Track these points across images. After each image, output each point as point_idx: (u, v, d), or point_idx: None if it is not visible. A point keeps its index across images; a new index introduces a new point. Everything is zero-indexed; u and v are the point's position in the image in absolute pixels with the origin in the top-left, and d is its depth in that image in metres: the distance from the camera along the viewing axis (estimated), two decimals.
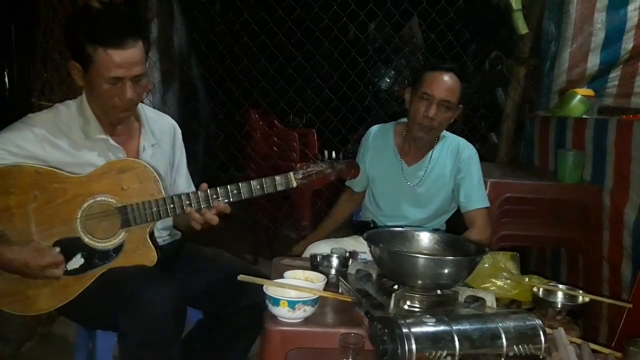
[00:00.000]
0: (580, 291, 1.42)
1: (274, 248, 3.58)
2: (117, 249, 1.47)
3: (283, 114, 4.15)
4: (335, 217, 2.26)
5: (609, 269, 2.31)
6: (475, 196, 2.04)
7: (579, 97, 2.67)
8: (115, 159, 1.53)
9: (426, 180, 2.06)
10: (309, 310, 1.28)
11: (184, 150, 1.81)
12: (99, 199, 1.46)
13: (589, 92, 2.73)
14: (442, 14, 3.45)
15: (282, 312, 1.27)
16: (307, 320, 1.30)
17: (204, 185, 1.51)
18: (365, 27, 3.91)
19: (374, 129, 2.18)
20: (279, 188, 1.51)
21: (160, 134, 1.70)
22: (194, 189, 1.75)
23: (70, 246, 1.45)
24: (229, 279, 1.47)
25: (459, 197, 2.06)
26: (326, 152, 1.58)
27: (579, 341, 1.17)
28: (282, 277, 1.45)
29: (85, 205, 1.45)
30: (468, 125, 3.60)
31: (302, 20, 3.58)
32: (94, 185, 1.47)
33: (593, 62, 2.82)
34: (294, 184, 1.52)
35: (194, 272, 1.66)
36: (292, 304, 1.26)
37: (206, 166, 4.05)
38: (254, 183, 1.50)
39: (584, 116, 2.63)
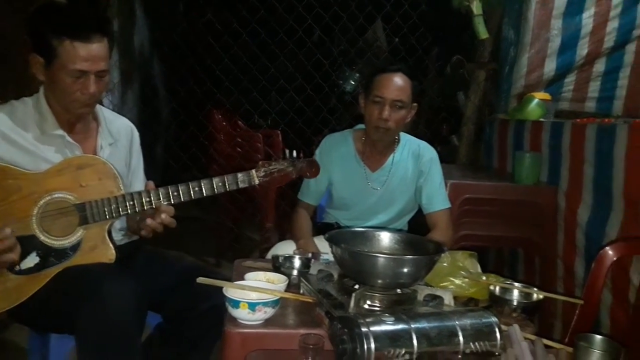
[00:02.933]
0: (535, 289, 1.46)
1: (237, 250, 3.54)
2: (75, 247, 1.44)
3: (247, 115, 4.13)
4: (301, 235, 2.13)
5: (563, 268, 2.39)
6: (437, 198, 2.08)
7: (536, 100, 2.76)
8: (74, 155, 1.51)
9: (389, 183, 2.08)
10: (269, 311, 1.27)
11: (141, 154, 1.79)
12: (56, 195, 1.44)
13: (546, 96, 2.82)
14: (406, 18, 3.50)
15: (242, 314, 1.26)
16: (267, 322, 1.29)
17: (151, 183, 1.50)
18: (330, 29, 3.93)
19: (331, 138, 2.17)
20: (241, 185, 1.51)
21: (118, 135, 1.68)
22: None
23: (25, 244, 1.41)
24: (189, 281, 1.45)
25: (421, 198, 2.09)
26: (287, 151, 1.60)
27: (532, 337, 1.20)
28: (243, 279, 1.44)
29: (41, 202, 1.42)
30: (430, 128, 3.67)
31: (266, 21, 3.57)
32: (51, 182, 1.44)
33: (550, 67, 2.92)
34: (256, 182, 1.52)
35: (152, 275, 1.63)
36: (252, 306, 1.25)
37: (167, 167, 3.98)
38: (215, 180, 1.49)
39: (541, 119, 2.71)
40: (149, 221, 1.48)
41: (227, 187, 1.50)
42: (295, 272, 1.55)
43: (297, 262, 1.59)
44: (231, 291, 1.31)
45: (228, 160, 3.64)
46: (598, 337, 1.16)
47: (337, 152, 2.12)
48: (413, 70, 2.04)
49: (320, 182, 2.07)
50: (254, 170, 1.52)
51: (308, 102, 3.77)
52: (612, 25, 2.86)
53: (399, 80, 1.91)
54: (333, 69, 3.84)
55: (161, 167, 4.02)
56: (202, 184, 1.49)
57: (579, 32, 2.85)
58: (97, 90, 1.46)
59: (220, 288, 1.32)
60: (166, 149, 4.38)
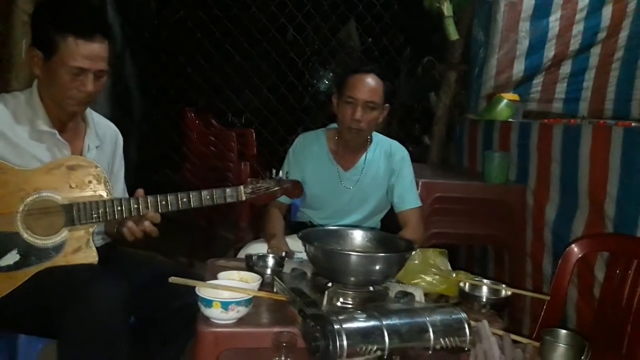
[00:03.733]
0: (504, 285, 1.49)
1: (210, 250, 3.51)
2: (58, 248, 1.43)
3: (221, 114, 4.10)
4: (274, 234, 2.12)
5: (531, 264, 2.45)
6: (408, 196, 2.10)
7: (505, 101, 2.82)
8: (62, 154, 1.51)
9: (362, 183, 2.09)
10: (242, 310, 1.27)
11: (123, 160, 1.80)
12: (44, 194, 1.42)
13: (515, 97, 2.89)
14: (378, 18, 3.53)
15: (215, 313, 1.25)
16: (240, 321, 1.28)
17: (141, 191, 1.51)
18: (303, 28, 3.94)
19: (305, 137, 2.18)
20: (229, 200, 1.55)
21: (104, 137, 1.69)
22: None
23: (6, 241, 1.39)
24: (161, 281, 1.44)
25: (393, 197, 2.11)
26: (274, 171, 1.68)
27: (501, 332, 1.23)
28: (216, 278, 1.43)
29: (28, 199, 1.41)
30: (402, 128, 3.71)
31: (240, 19, 3.55)
32: (40, 180, 1.43)
33: (518, 68, 2.99)
34: (243, 198, 1.56)
35: (125, 276, 1.61)
36: (225, 305, 1.25)
37: (139, 166, 3.92)
38: (204, 193, 1.52)
39: (510, 120, 2.77)
40: (130, 224, 1.49)
41: (215, 200, 1.53)
42: (268, 271, 1.55)
43: (270, 261, 1.60)
44: (204, 290, 1.30)
45: (201, 159, 3.61)
46: (563, 331, 1.19)
47: (311, 151, 2.12)
48: (385, 70, 2.05)
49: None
50: (242, 187, 1.56)
51: (282, 101, 3.77)
52: (578, 28, 2.95)
53: (371, 81, 1.93)
54: (306, 68, 3.84)
55: (133, 166, 3.95)
56: (191, 196, 1.51)
57: (546, 34, 2.93)
58: (94, 90, 1.47)
59: (193, 288, 1.31)
60: (139, 147, 4.31)
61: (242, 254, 1.91)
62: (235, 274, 1.47)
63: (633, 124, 2.21)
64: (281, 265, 1.57)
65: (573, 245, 1.74)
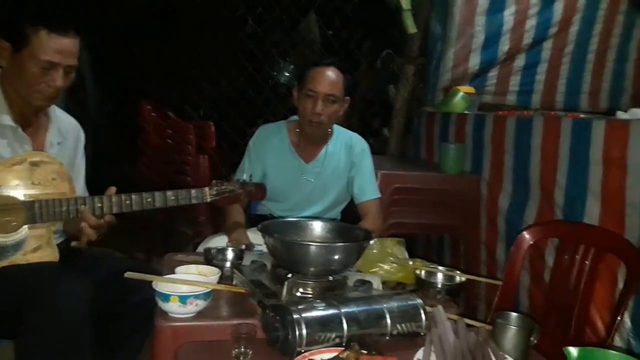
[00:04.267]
0: (458, 272, 1.54)
1: (168, 245, 3.45)
2: (17, 246, 1.40)
3: (179, 106, 4.02)
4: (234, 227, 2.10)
5: (486, 252, 2.53)
6: (368, 188, 2.13)
7: (461, 94, 2.88)
8: (24, 150, 1.48)
9: (322, 175, 2.11)
10: (201, 304, 1.26)
11: (84, 156, 1.77)
12: (4, 190, 1.38)
13: (471, 89, 2.96)
14: (338, 11, 3.54)
15: (173, 307, 1.24)
16: (199, 314, 1.28)
17: (113, 190, 1.48)
18: (263, 20, 3.90)
19: (265, 129, 2.17)
20: (194, 201, 1.55)
21: (66, 133, 1.67)
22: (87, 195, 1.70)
23: None
24: (118, 278, 1.42)
25: (353, 189, 2.13)
26: (235, 174, 1.73)
27: (455, 317, 1.26)
28: (174, 273, 1.42)
29: None
30: (362, 121, 3.74)
31: (198, 10, 3.49)
32: (1, 176, 1.39)
33: (474, 61, 3.07)
34: (208, 200, 1.56)
35: (85, 273, 1.57)
36: (183, 299, 1.24)
37: (94, 160, 3.80)
38: (169, 194, 1.51)
39: (466, 112, 2.84)
40: (86, 225, 1.45)
41: (179, 202, 1.52)
42: (228, 264, 1.54)
43: (229, 254, 1.59)
44: (161, 285, 1.28)
45: (158, 152, 3.54)
46: (514, 314, 1.24)
47: (271, 143, 2.12)
48: (345, 64, 2.06)
49: (253, 173, 2.06)
50: (207, 188, 1.56)
51: (242, 93, 3.73)
52: (531, 23, 3.05)
53: (331, 74, 1.93)
54: (266, 60, 3.81)
55: (89, 161, 3.83)
56: (155, 197, 1.50)
57: (501, 28, 3.01)
58: (62, 85, 1.46)
59: (151, 283, 1.29)
60: (93, 141, 4.18)
61: (201, 248, 1.90)
62: (193, 267, 1.46)
63: (581, 116, 2.31)
64: (241, 258, 1.57)
65: (524, 232, 1.80)
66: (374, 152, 2.21)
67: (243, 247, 1.69)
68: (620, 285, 1.78)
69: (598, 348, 0.96)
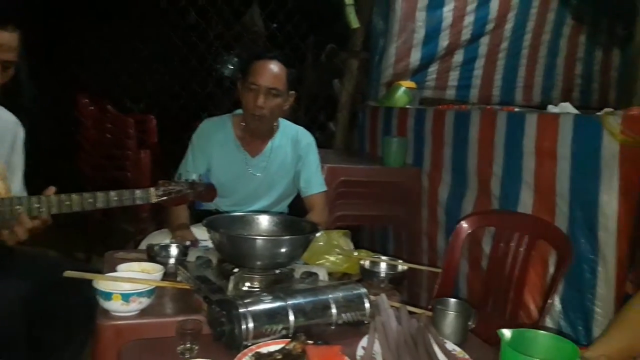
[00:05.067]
0: (400, 261, 1.59)
1: (109, 244, 3.34)
2: None
3: (118, 99, 3.88)
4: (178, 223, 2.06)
5: (427, 241, 2.62)
6: (314, 181, 2.14)
7: (403, 89, 2.96)
8: None
9: (269, 169, 2.10)
10: (145, 301, 1.24)
11: (23, 154, 1.68)
12: None
13: (412, 84, 3.04)
14: (281, 4, 3.52)
15: (115, 305, 1.22)
16: (143, 312, 1.25)
17: (52, 189, 1.41)
18: (205, 11, 3.82)
19: (209, 122, 2.13)
20: (138, 202, 1.48)
21: (3, 130, 1.59)
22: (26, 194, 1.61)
23: None
24: (56, 278, 1.37)
25: (299, 182, 2.14)
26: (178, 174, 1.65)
27: (398, 305, 1.30)
28: (115, 271, 1.38)
29: None
30: (308, 115, 3.76)
31: (137, 2, 3.37)
32: None
33: (415, 57, 3.14)
34: (153, 201, 1.50)
35: (19, 275, 1.50)
36: (125, 297, 1.21)
37: (28, 156, 3.61)
38: (112, 194, 1.44)
39: (407, 106, 2.91)
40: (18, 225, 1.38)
41: (123, 202, 1.45)
42: (172, 261, 1.51)
43: (173, 250, 1.56)
44: (102, 283, 1.25)
45: (97, 147, 3.40)
46: (453, 300, 1.29)
47: (216, 137, 2.09)
48: (290, 57, 2.06)
49: (198, 167, 2.03)
50: (152, 189, 1.50)
51: (184, 87, 3.65)
52: (469, 19, 3.16)
53: (274, 67, 1.92)
54: (210, 52, 3.74)
55: (24, 157, 3.63)
56: (97, 197, 1.42)
57: (441, 24, 3.10)
58: (0, 81, 1.39)
59: (91, 281, 1.25)
60: (28, 136, 3.96)
61: (143, 245, 1.85)
62: (136, 265, 1.43)
63: (516, 109, 2.42)
64: (185, 255, 1.55)
65: (462, 222, 1.88)
66: (320, 146, 2.23)
67: (188, 243, 1.66)
68: (551, 270, 1.89)
69: (529, 329, 1.01)
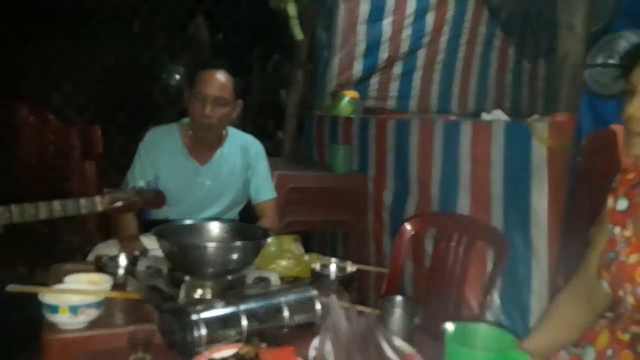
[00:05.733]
0: (349, 262, 1.64)
1: (54, 257, 3.21)
2: None
3: (61, 109, 3.74)
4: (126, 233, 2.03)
5: (374, 244, 2.71)
6: (264, 188, 2.17)
7: (347, 98, 3.05)
8: None
9: (218, 177, 2.10)
10: (93, 313, 1.23)
11: None
12: None
13: (355, 94, 3.13)
14: (226, 15, 3.54)
15: (62, 319, 1.19)
16: (92, 324, 1.24)
17: None
18: (149, 21, 3.78)
19: (156, 131, 2.12)
20: (83, 211, 1.45)
21: None
22: None
23: None
24: None
25: (250, 190, 2.16)
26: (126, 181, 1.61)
27: (347, 305, 1.35)
28: (62, 283, 1.35)
29: None
30: (257, 124, 3.78)
31: (80, 8, 3.28)
32: None
33: (357, 68, 3.24)
34: (99, 209, 1.48)
35: None
36: (73, 309, 1.19)
37: None
38: (55, 204, 1.40)
39: (352, 115, 3.00)
40: None
41: (67, 212, 1.42)
42: (121, 271, 1.49)
43: (122, 261, 1.54)
44: (48, 296, 1.23)
45: (38, 159, 3.27)
46: (399, 298, 1.34)
47: (163, 145, 2.07)
48: (236, 67, 2.08)
49: (145, 176, 2.01)
50: (98, 197, 1.47)
51: (130, 96, 3.57)
52: (407, 32, 3.29)
53: (221, 77, 1.94)
54: (155, 62, 3.69)
55: None
56: (40, 208, 1.39)
57: (380, 37, 3.21)
58: None
59: (36, 295, 1.23)
60: None
61: (91, 257, 1.82)
62: (83, 277, 1.40)
63: (452, 118, 2.56)
64: (135, 265, 1.53)
65: (406, 224, 1.96)
66: (269, 154, 2.26)
67: (137, 253, 1.65)
68: (489, 267, 2.00)
69: (470, 322, 1.06)
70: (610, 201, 1.26)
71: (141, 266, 1.50)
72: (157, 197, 1.63)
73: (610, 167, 2.34)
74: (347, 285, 1.58)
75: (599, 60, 2.91)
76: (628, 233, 1.18)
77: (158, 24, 3.75)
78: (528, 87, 3.80)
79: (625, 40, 2.83)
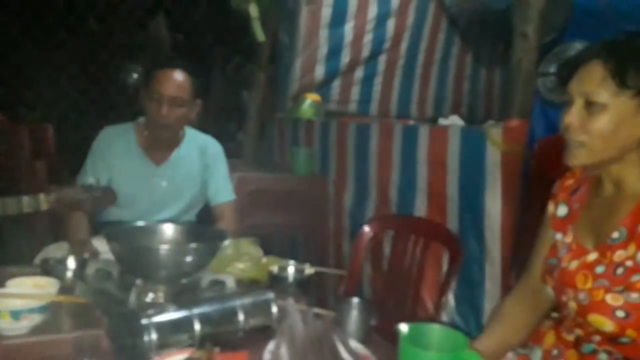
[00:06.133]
0: (307, 264, 1.63)
1: (1, 259, 3.07)
2: None
3: (10, 107, 3.59)
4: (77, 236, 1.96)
5: (334, 247, 2.72)
6: (223, 190, 2.14)
7: (309, 102, 3.05)
8: None
9: (175, 178, 2.07)
10: (37, 318, 1.17)
11: None
12: None
13: (317, 97, 3.14)
14: (187, 15, 3.49)
15: (3, 324, 1.14)
16: (36, 330, 1.18)
17: None
18: (106, 19, 3.68)
19: (110, 131, 2.08)
20: (26, 210, 1.37)
21: None
22: None
23: None
24: None
25: (208, 191, 2.13)
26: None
27: (304, 308, 1.34)
28: (4, 287, 1.29)
29: None
30: (218, 125, 3.74)
31: (32, 1, 3.16)
32: None
33: (319, 71, 3.25)
34: (44, 207, 1.40)
35: None
36: (15, 314, 1.14)
37: None
38: None
39: (314, 118, 3.01)
40: None
41: (6, 211, 1.34)
42: (69, 274, 1.44)
43: (71, 264, 1.48)
44: None
45: None
46: (355, 300, 1.34)
47: (117, 145, 2.02)
48: (194, 66, 2.05)
49: (98, 178, 1.96)
50: (42, 194, 1.39)
51: (85, 95, 3.47)
52: (368, 37, 3.32)
53: (178, 77, 1.91)
54: (112, 61, 3.59)
55: None
56: None
57: (342, 41, 3.23)
58: None
59: None
60: None
61: (38, 260, 1.75)
62: (27, 280, 1.34)
63: (411, 122, 2.60)
64: (84, 267, 1.48)
65: (365, 226, 1.97)
66: (230, 155, 2.24)
67: (87, 255, 1.59)
68: (445, 268, 2.03)
69: (424, 323, 1.07)
70: (551, 207, 1.28)
71: (90, 269, 1.45)
72: (106, 195, 1.56)
73: (561, 172, 2.44)
74: (305, 287, 1.57)
75: (551, 70, 3.03)
76: (568, 239, 1.20)
77: (116, 22, 3.66)
78: (484, 94, 3.91)
79: (574, 51, 2.96)
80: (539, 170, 2.23)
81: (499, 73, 3.87)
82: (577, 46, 2.95)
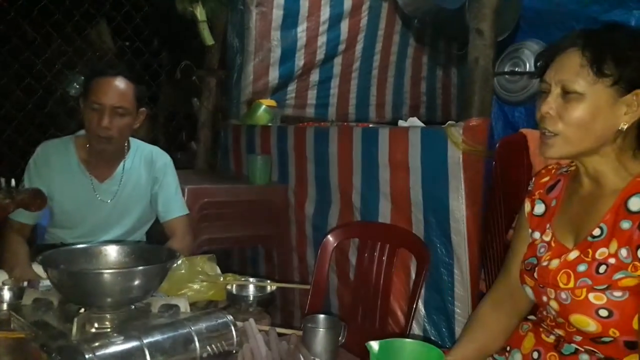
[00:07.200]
0: (269, 281, 1.53)
1: None
2: None
3: None
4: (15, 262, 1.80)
5: (297, 258, 2.62)
6: (173, 205, 2.04)
7: (263, 107, 2.95)
8: None
9: (121, 194, 1.96)
10: None
11: None
12: None
13: (272, 102, 3.05)
14: (129, 19, 3.33)
15: None
16: None
17: None
18: (41, 25, 3.46)
19: (48, 145, 1.95)
20: None
21: None
22: None
23: None
24: None
25: (157, 206, 2.02)
26: (3, 180, 1.36)
27: (266, 328, 1.25)
28: None
29: None
30: (167, 134, 3.59)
31: None
32: None
33: (273, 75, 3.16)
34: None
35: None
36: None
37: None
38: None
39: (269, 124, 2.91)
40: None
41: None
42: (3, 306, 1.30)
43: (5, 294, 1.34)
44: None
45: None
46: (322, 316, 1.27)
47: (57, 162, 1.91)
48: (136, 73, 1.95)
49: None
50: None
51: (20, 107, 3.24)
52: (322, 40, 3.26)
53: (119, 84, 1.80)
54: (50, 70, 3.38)
55: None
56: None
57: (296, 44, 3.16)
58: None
59: None
60: None
61: None
62: None
63: (370, 125, 2.54)
64: (20, 297, 1.34)
65: (329, 235, 1.90)
66: (183, 166, 2.13)
67: (25, 284, 1.45)
68: (414, 276, 1.98)
69: (396, 339, 1.02)
70: (527, 205, 1.26)
71: (27, 299, 1.32)
72: (33, 196, 1.43)
73: (521, 170, 2.45)
74: (268, 305, 1.48)
75: (506, 69, 3.05)
76: (547, 238, 1.19)
77: (50, 29, 3.43)
78: (442, 95, 3.93)
79: (528, 50, 2.99)
80: (501, 170, 2.21)
81: (455, 73, 3.89)
82: (530, 45, 2.98)
